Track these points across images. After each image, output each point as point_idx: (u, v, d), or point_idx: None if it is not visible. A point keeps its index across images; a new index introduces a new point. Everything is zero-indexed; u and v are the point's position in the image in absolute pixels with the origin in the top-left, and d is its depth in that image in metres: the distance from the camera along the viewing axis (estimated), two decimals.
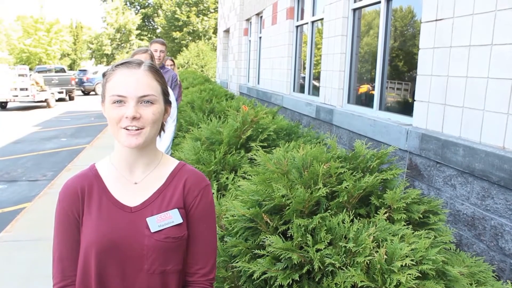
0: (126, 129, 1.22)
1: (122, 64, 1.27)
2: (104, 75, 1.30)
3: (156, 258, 1.25)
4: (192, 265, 1.34)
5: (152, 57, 3.67)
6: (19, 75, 18.48)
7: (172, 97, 3.85)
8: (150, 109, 1.24)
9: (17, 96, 18.02)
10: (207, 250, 1.35)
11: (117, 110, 1.22)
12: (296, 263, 1.79)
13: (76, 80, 25.18)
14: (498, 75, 2.72)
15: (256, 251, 1.88)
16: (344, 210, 1.97)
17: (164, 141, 3.82)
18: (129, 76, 1.24)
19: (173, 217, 1.28)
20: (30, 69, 24.76)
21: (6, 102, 18.48)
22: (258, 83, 10.82)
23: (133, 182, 1.31)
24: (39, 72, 23.18)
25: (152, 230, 1.25)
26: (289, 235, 1.90)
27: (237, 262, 1.88)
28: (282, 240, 1.84)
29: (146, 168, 1.32)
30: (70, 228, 1.29)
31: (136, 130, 1.22)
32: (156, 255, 1.25)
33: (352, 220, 1.93)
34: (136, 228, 1.25)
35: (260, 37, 10.74)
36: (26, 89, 18.13)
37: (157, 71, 1.30)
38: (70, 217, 1.28)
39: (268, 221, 1.96)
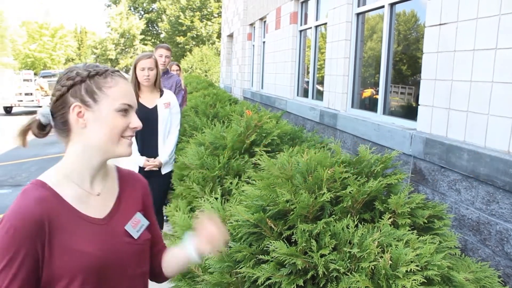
0: (128, 138, 1.23)
1: (116, 71, 1.27)
2: (89, 76, 1.20)
3: (137, 262, 1.30)
4: (158, 242, 1.46)
5: (156, 63, 3.67)
6: (24, 80, 18.61)
7: (176, 103, 3.86)
8: None
9: (22, 101, 18.12)
10: (159, 231, 1.48)
11: (123, 119, 1.22)
12: (300, 268, 1.78)
13: None
14: (502, 79, 2.71)
15: (260, 256, 1.87)
16: (349, 215, 1.97)
17: (168, 146, 3.83)
18: (130, 86, 1.27)
19: (141, 220, 1.33)
20: (35, 74, 24.90)
21: (11, 107, 18.60)
22: (262, 87, 10.83)
23: (96, 194, 1.25)
24: (44, 77, 23.31)
25: (135, 237, 1.28)
26: (293, 240, 1.90)
27: (241, 267, 1.87)
28: (286, 245, 1.83)
29: (104, 178, 1.30)
30: (27, 266, 1.08)
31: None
32: (137, 259, 1.30)
33: (356, 225, 1.92)
34: (113, 238, 1.24)
35: (264, 42, 10.76)
36: (31, 94, 18.24)
37: None
38: (29, 251, 1.08)
39: (272, 226, 1.95)
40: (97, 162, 1.24)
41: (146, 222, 1.34)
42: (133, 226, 1.29)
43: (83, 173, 1.23)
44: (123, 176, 1.38)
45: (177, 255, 1.42)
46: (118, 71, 1.28)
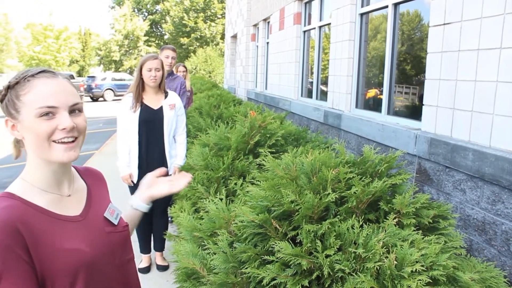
0: (62, 142, 1.15)
1: (37, 73, 1.17)
2: (9, 87, 1.16)
3: (122, 251, 1.32)
4: None
5: (162, 64, 3.68)
6: None
7: (181, 105, 3.87)
8: (81, 117, 1.20)
9: None
10: None
11: (48, 123, 1.13)
12: (305, 269, 1.78)
13: (85, 86, 25.34)
14: (507, 79, 2.70)
15: (265, 257, 1.87)
16: (353, 216, 1.97)
17: (182, 150, 3.85)
18: (53, 85, 1.16)
19: (116, 210, 1.36)
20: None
21: None
22: (266, 88, 10.83)
23: (66, 195, 1.24)
24: None
25: (115, 223, 1.32)
26: (298, 240, 1.90)
27: (247, 268, 1.88)
28: (292, 246, 1.84)
29: (70, 180, 1.28)
30: (21, 271, 1.05)
31: (72, 141, 1.16)
32: (121, 247, 1.32)
33: (361, 226, 1.92)
34: (96, 231, 1.25)
35: (268, 43, 10.76)
36: None
37: (69, 79, 1.26)
38: (19, 256, 1.05)
39: (277, 226, 1.95)
40: (52, 170, 1.20)
41: (120, 211, 1.38)
42: (110, 213, 1.32)
43: (46, 180, 1.20)
44: (83, 173, 1.39)
45: (128, 215, 1.49)
46: (43, 71, 1.18)
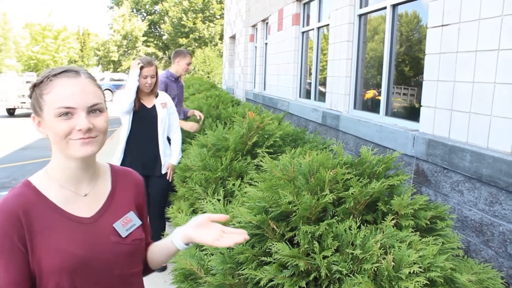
0: (77, 139, 1.16)
1: (60, 73, 1.19)
2: (35, 86, 1.21)
3: (126, 263, 1.27)
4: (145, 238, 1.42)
5: (157, 69, 3.83)
6: (27, 82, 18.60)
7: (172, 104, 3.97)
8: (101, 118, 1.20)
9: (24, 102, 18.14)
10: (148, 228, 1.46)
11: (66, 123, 1.15)
12: (303, 270, 1.78)
13: None
14: (505, 80, 2.71)
15: (263, 258, 1.87)
16: (351, 217, 1.96)
17: (176, 148, 3.94)
18: (73, 85, 1.17)
19: (133, 220, 1.31)
20: (38, 76, 24.95)
21: (14, 109, 18.64)
22: (264, 89, 10.84)
23: (82, 194, 1.25)
24: None
25: (123, 235, 1.26)
26: (296, 241, 1.90)
27: (244, 269, 1.88)
28: (289, 247, 1.84)
29: (92, 179, 1.28)
30: (14, 257, 1.12)
31: (90, 137, 1.18)
32: (126, 259, 1.27)
33: (359, 227, 1.92)
34: (100, 238, 1.23)
35: (266, 43, 10.76)
36: None
37: (95, 78, 1.26)
38: (14, 243, 1.12)
39: (275, 227, 1.95)
40: (71, 166, 1.22)
41: (138, 222, 1.32)
42: (123, 224, 1.28)
43: (64, 175, 1.23)
44: (117, 175, 1.37)
45: (162, 245, 1.41)
46: (66, 70, 1.20)
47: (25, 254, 1.14)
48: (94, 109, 1.19)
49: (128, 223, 1.29)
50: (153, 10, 45.79)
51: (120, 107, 3.66)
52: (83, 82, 1.19)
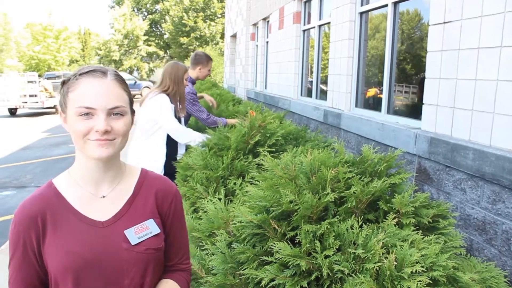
0: (94, 140, 1.16)
1: (86, 72, 1.19)
2: (63, 83, 1.21)
3: (137, 272, 1.23)
4: (172, 258, 1.39)
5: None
6: (28, 81, 18.65)
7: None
8: (121, 121, 1.19)
9: (26, 102, 18.20)
10: (184, 248, 1.43)
11: (85, 123, 1.15)
12: (304, 269, 1.77)
13: None
14: (508, 78, 2.69)
15: (264, 257, 1.86)
16: (353, 216, 1.95)
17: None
18: (96, 86, 1.17)
19: (150, 228, 1.26)
20: (39, 75, 24.98)
21: (15, 109, 18.69)
22: (266, 87, 10.82)
23: (100, 196, 1.24)
24: (48, 78, 23.41)
25: (133, 243, 1.22)
26: (297, 241, 1.88)
27: (245, 269, 1.86)
28: (290, 246, 1.82)
29: (113, 181, 1.26)
30: (27, 255, 1.18)
31: (106, 140, 1.16)
32: (137, 268, 1.22)
33: (361, 226, 1.91)
34: (111, 243, 1.20)
35: (267, 42, 10.74)
36: (35, 95, 18.32)
37: (123, 80, 1.24)
38: (27, 242, 1.17)
39: (276, 227, 1.94)
40: (90, 166, 1.21)
41: (156, 231, 1.27)
42: (135, 232, 1.23)
43: (83, 175, 1.23)
44: (145, 180, 1.33)
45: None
46: (94, 70, 1.20)
47: (35, 253, 1.18)
48: (114, 112, 1.17)
49: (142, 231, 1.24)
50: (154, 9, 45.80)
51: (177, 136, 3.87)
52: (108, 83, 1.18)
